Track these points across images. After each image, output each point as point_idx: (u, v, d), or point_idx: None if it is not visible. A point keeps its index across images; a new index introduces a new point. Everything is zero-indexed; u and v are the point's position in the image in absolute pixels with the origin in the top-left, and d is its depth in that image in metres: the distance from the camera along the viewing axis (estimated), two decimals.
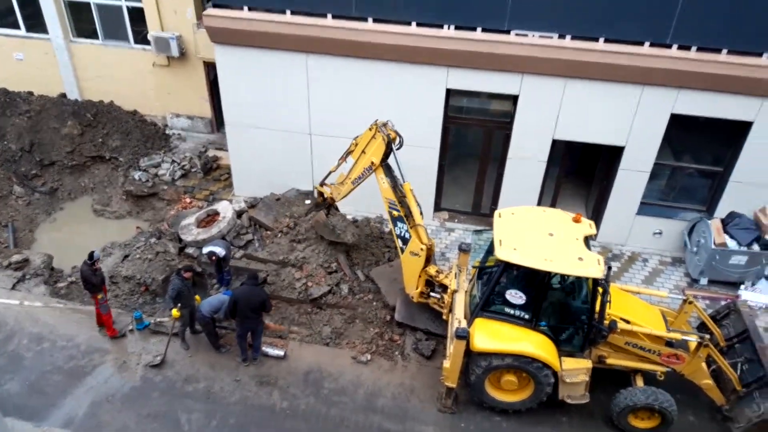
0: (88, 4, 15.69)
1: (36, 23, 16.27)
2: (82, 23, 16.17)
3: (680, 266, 12.52)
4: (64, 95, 16.66)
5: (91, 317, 10.77)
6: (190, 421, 9.17)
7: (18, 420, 8.98)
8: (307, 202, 12.57)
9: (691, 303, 9.47)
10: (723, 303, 10.67)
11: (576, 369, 8.78)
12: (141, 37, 15.86)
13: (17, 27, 16.48)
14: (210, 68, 15.46)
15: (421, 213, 10.13)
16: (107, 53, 16.22)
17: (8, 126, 15.09)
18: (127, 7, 15.53)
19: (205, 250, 10.99)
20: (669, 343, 8.89)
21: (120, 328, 10.61)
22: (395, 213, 10.03)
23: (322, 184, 11.32)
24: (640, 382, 9.12)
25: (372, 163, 9.98)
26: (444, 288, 10.19)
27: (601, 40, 10.95)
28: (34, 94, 16.07)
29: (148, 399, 9.49)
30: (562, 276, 9.32)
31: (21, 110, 15.34)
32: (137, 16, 15.49)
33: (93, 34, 16.21)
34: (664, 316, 9.48)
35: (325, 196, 11.30)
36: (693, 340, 8.71)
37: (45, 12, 15.77)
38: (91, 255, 10.02)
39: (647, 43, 10.86)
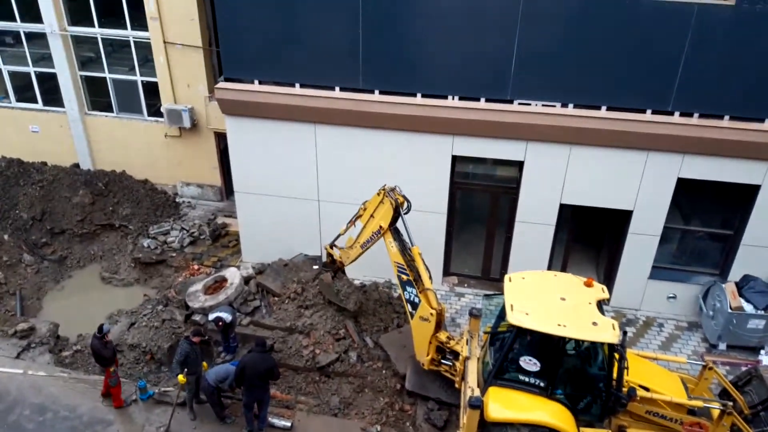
0: (105, 79, 16.30)
1: (53, 97, 16.87)
2: (97, 97, 16.76)
3: (697, 331, 12.26)
4: (77, 165, 17.03)
5: (95, 387, 10.53)
6: None
7: None
8: (315, 267, 12.53)
9: (711, 369, 9.19)
10: (744, 369, 10.36)
11: None
12: (154, 110, 16.37)
13: (35, 101, 17.08)
14: (221, 138, 15.85)
15: (431, 277, 10.06)
16: (121, 125, 16.71)
17: (20, 195, 15.34)
18: (142, 82, 16.12)
19: (212, 316, 10.89)
20: (691, 411, 8.57)
21: (124, 398, 10.34)
22: (404, 277, 9.96)
23: (332, 245, 11.36)
24: None
25: (380, 227, 10.02)
26: (455, 355, 9.97)
27: (604, 108, 11.20)
28: (47, 165, 16.42)
29: None
30: (577, 342, 9.10)
31: (34, 180, 15.64)
32: (151, 89, 16.06)
33: (108, 108, 16.76)
34: (685, 383, 9.17)
35: (334, 258, 11.31)
36: (716, 407, 8.40)
37: (62, 87, 16.39)
38: (100, 328, 9.91)
39: (649, 111, 11.09)
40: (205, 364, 10.00)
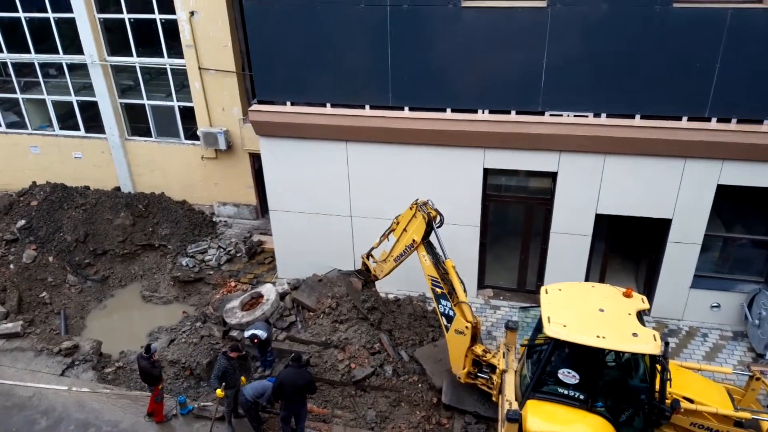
0: (143, 105, 16.87)
1: (94, 124, 17.52)
2: (137, 123, 17.34)
3: (743, 340, 11.86)
4: (118, 188, 17.59)
5: (137, 402, 10.76)
6: None
7: None
8: (347, 274, 12.58)
9: (758, 379, 8.89)
10: None
11: None
12: (191, 133, 16.84)
13: (77, 128, 17.76)
14: (255, 159, 16.19)
15: (465, 290, 10.01)
16: (159, 149, 17.23)
17: (65, 219, 15.88)
18: (179, 107, 16.63)
19: (247, 333, 11.02)
20: (738, 423, 8.27)
21: (165, 413, 10.53)
22: (438, 290, 9.95)
23: (368, 255, 11.59)
24: None
25: (413, 240, 10.06)
26: (492, 368, 9.86)
27: (637, 116, 11.07)
28: (90, 188, 16.99)
29: None
30: (617, 353, 8.91)
31: (77, 203, 16.19)
32: (188, 114, 16.55)
33: (147, 133, 17.32)
34: (731, 394, 8.86)
35: (369, 268, 11.46)
36: (765, 419, 8.10)
37: (103, 114, 17.03)
38: (148, 348, 10.13)
39: (685, 118, 10.90)
40: (243, 378, 10.12)
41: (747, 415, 8.21)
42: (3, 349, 12.38)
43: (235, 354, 9.89)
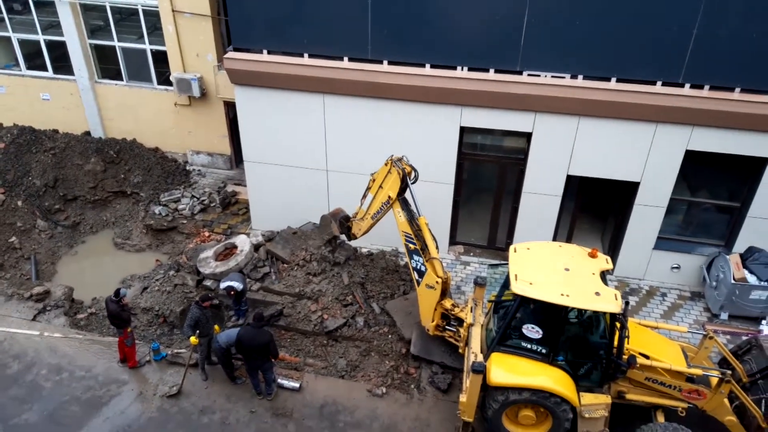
0: (114, 47, 16.32)
1: (62, 65, 16.91)
2: (107, 65, 16.79)
3: (700, 301, 12.41)
4: (88, 133, 17.17)
5: (110, 348, 10.87)
6: None
7: None
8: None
9: (711, 338, 9.35)
10: (744, 338, 10.53)
11: (595, 404, 8.65)
12: (164, 79, 16.40)
13: (45, 69, 17.13)
14: (230, 107, 15.91)
15: (437, 246, 10.22)
16: (131, 94, 16.77)
17: (33, 162, 15.53)
18: (151, 50, 16.12)
19: (223, 285, 11.11)
20: (690, 379, 8.76)
21: (138, 359, 10.68)
22: (411, 246, 10.13)
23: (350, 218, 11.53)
24: (660, 417, 8.97)
25: (389, 197, 10.15)
26: (460, 321, 10.19)
27: (613, 80, 11.16)
28: (59, 132, 16.57)
29: (165, 430, 9.48)
30: (580, 311, 9.29)
31: (46, 147, 15.81)
32: (161, 58, 16.06)
33: (117, 76, 16.80)
34: (685, 352, 9.35)
35: (351, 229, 11.47)
36: (714, 375, 8.59)
37: (72, 55, 16.40)
38: (117, 292, 10.17)
39: (659, 83, 11.04)
40: (217, 327, 10.27)
41: (698, 371, 8.69)
42: None
43: (207, 303, 10.01)
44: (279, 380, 10.23)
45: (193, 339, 9.81)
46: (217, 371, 10.48)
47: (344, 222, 11.64)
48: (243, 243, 12.48)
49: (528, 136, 11.95)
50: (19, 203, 14.80)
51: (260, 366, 9.81)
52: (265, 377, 10.02)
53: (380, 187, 10.33)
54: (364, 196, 10.86)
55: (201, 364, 10.39)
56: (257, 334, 9.41)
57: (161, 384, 10.30)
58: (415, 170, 10.10)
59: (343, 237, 11.94)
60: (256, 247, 12.60)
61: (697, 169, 11.84)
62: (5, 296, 12.22)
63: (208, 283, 12.07)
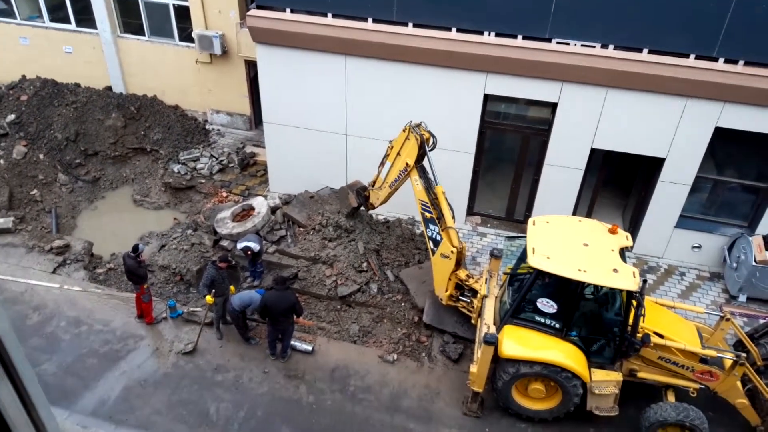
0: (137, 1, 16.14)
1: (85, 18, 16.80)
2: (129, 20, 16.66)
3: (718, 282, 12.23)
4: (109, 88, 17.16)
5: (128, 303, 11.05)
6: (218, 409, 9.34)
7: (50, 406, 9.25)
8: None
9: (728, 320, 9.24)
10: (761, 321, 10.39)
11: (606, 381, 8.65)
12: (185, 35, 16.24)
13: (68, 21, 17.04)
14: (251, 67, 15.75)
15: (453, 216, 10.13)
16: (152, 49, 16.66)
17: (55, 116, 15.60)
18: (174, 6, 15.92)
19: (240, 245, 11.17)
20: (703, 360, 8.69)
21: (155, 316, 10.85)
22: (428, 215, 10.05)
23: (368, 187, 11.39)
24: (671, 397, 8.94)
25: (407, 164, 10.03)
26: (474, 292, 10.16)
27: (645, 51, 10.79)
28: (80, 86, 16.57)
29: (179, 386, 9.70)
30: (596, 287, 9.21)
31: (68, 101, 15.84)
32: (183, 14, 15.87)
33: (140, 31, 16.66)
34: (700, 333, 9.26)
35: (369, 198, 11.39)
36: (728, 357, 8.50)
37: (95, 8, 16.27)
38: (135, 248, 10.27)
39: (692, 56, 10.66)
40: (232, 287, 10.37)
41: (712, 353, 8.60)
42: None
43: (224, 264, 10.08)
44: (292, 342, 10.35)
45: (208, 298, 9.93)
46: (231, 331, 10.64)
47: (361, 192, 11.57)
48: (260, 205, 12.49)
49: (553, 106, 11.68)
50: (41, 156, 14.93)
51: (285, 329, 9.91)
52: (284, 342, 10.14)
53: (398, 154, 10.20)
54: (382, 164, 10.74)
55: (216, 324, 10.54)
56: (282, 297, 9.51)
57: (177, 341, 10.49)
58: (434, 137, 9.93)
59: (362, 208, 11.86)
60: (273, 210, 12.61)
61: (725, 146, 11.52)
62: (26, 248, 12.45)
63: (224, 243, 12.16)
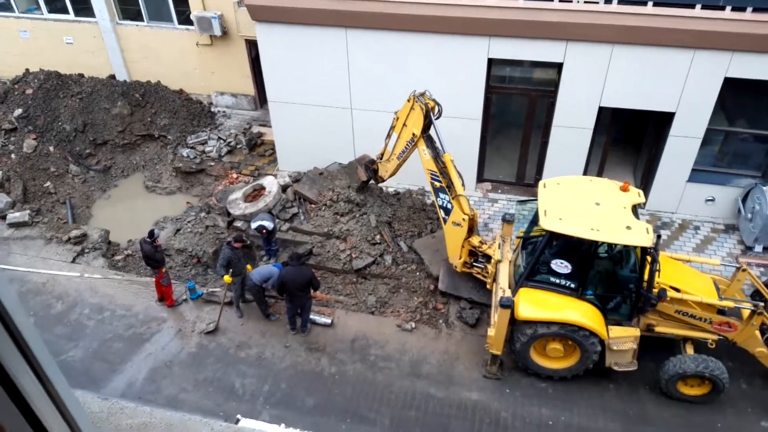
0: None
1: (83, 7, 16.75)
2: (127, 6, 16.58)
3: (734, 234, 12.18)
4: (113, 76, 17.18)
5: (147, 288, 11.24)
6: (244, 385, 9.54)
7: (80, 390, 9.48)
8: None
9: (744, 270, 9.24)
10: None
11: (623, 337, 8.72)
12: (184, 18, 16.16)
13: (66, 11, 17.00)
14: (252, 46, 15.66)
15: (463, 184, 10.11)
16: (152, 34, 16.61)
17: (62, 108, 15.67)
18: None
19: (254, 224, 11.27)
20: (721, 311, 8.72)
21: (175, 298, 11.04)
22: (437, 184, 10.06)
23: (377, 160, 11.39)
24: (690, 350, 9.00)
25: (413, 135, 10.01)
26: (488, 258, 10.21)
27: (650, 3, 10.60)
28: (84, 76, 16.59)
29: (204, 365, 9.91)
30: (610, 245, 9.22)
31: (73, 92, 15.89)
32: None
33: (138, 16, 16.61)
34: (716, 284, 9.26)
35: (378, 172, 11.42)
36: (746, 307, 8.53)
37: None
38: (151, 233, 10.41)
39: (699, 6, 10.46)
40: (249, 266, 10.50)
41: (730, 303, 8.64)
42: (13, 238, 12.73)
43: (239, 244, 10.20)
44: (311, 316, 10.50)
45: (226, 278, 10.08)
46: (251, 309, 10.80)
47: (369, 166, 11.57)
48: (271, 184, 12.56)
49: (559, 66, 11.54)
50: (51, 148, 15.05)
51: (303, 304, 10.06)
52: (303, 316, 10.29)
53: (404, 125, 10.17)
54: (389, 136, 10.71)
55: (236, 302, 10.71)
56: (299, 272, 9.64)
57: (199, 321, 10.68)
58: (439, 105, 9.87)
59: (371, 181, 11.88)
60: (284, 188, 12.68)
61: (735, 97, 11.36)
62: (44, 239, 12.64)
63: (238, 224, 12.27)
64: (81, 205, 14.47)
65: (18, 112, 15.24)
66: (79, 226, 13.18)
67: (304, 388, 9.49)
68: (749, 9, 10.29)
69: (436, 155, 10.09)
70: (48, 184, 14.50)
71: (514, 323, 8.91)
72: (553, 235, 8.46)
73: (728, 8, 10.36)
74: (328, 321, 10.56)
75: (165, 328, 10.61)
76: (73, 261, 12.15)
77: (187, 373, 9.76)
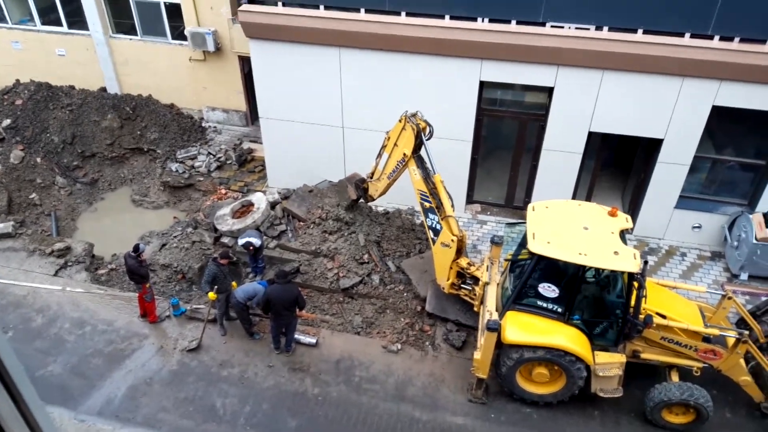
0: (128, 1, 16.08)
1: (77, 20, 16.76)
2: (121, 20, 16.61)
3: (720, 261, 12.23)
4: (104, 89, 17.13)
5: (130, 303, 11.07)
6: (225, 405, 9.36)
7: (57, 407, 9.19)
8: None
9: (730, 298, 9.24)
10: (763, 299, 10.40)
11: (609, 363, 8.67)
12: (178, 33, 16.20)
13: (59, 24, 17.00)
14: (245, 62, 15.70)
15: (453, 205, 10.11)
16: (145, 48, 16.62)
17: (51, 119, 15.58)
18: (165, 4, 15.87)
19: (242, 240, 11.17)
20: (706, 339, 8.70)
21: (158, 314, 10.87)
22: (427, 204, 10.05)
23: (367, 179, 11.35)
24: (675, 377, 8.96)
25: (404, 155, 10.01)
26: (475, 280, 10.16)
27: (640, 31, 10.74)
28: (75, 88, 16.54)
29: (185, 383, 9.72)
30: (597, 270, 9.21)
31: (63, 104, 15.82)
32: (174, 12, 15.82)
33: (132, 30, 16.62)
34: (702, 312, 9.28)
35: (368, 190, 11.38)
36: (731, 335, 8.52)
37: (86, 9, 16.23)
38: (136, 247, 10.28)
39: (687, 34, 10.61)
40: (234, 283, 10.38)
41: (715, 331, 8.62)
42: None
43: (225, 261, 10.09)
44: (296, 336, 10.37)
45: (211, 294, 9.95)
46: (234, 327, 10.65)
47: (360, 184, 11.54)
48: (259, 201, 12.49)
49: (549, 90, 11.64)
50: (38, 160, 14.92)
51: (288, 323, 9.93)
52: (287, 336, 10.16)
53: (395, 145, 10.17)
54: (379, 155, 10.71)
55: (219, 320, 10.56)
56: (285, 290, 9.52)
57: (181, 338, 10.50)
58: (430, 126, 9.90)
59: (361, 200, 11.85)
60: (273, 205, 12.61)
61: (722, 125, 11.48)
62: (27, 251, 12.45)
63: (225, 240, 12.16)
64: (66, 217, 14.31)
65: (6, 122, 15.12)
66: (63, 239, 13.01)
67: (286, 409, 9.32)
68: (737, 39, 10.45)
69: (427, 176, 10.09)
70: (33, 195, 14.34)
71: (501, 347, 8.83)
72: (540, 259, 8.43)
73: (716, 38, 10.51)
74: (313, 341, 10.42)
75: (146, 344, 10.42)
76: (56, 274, 11.96)
77: (167, 392, 9.56)
